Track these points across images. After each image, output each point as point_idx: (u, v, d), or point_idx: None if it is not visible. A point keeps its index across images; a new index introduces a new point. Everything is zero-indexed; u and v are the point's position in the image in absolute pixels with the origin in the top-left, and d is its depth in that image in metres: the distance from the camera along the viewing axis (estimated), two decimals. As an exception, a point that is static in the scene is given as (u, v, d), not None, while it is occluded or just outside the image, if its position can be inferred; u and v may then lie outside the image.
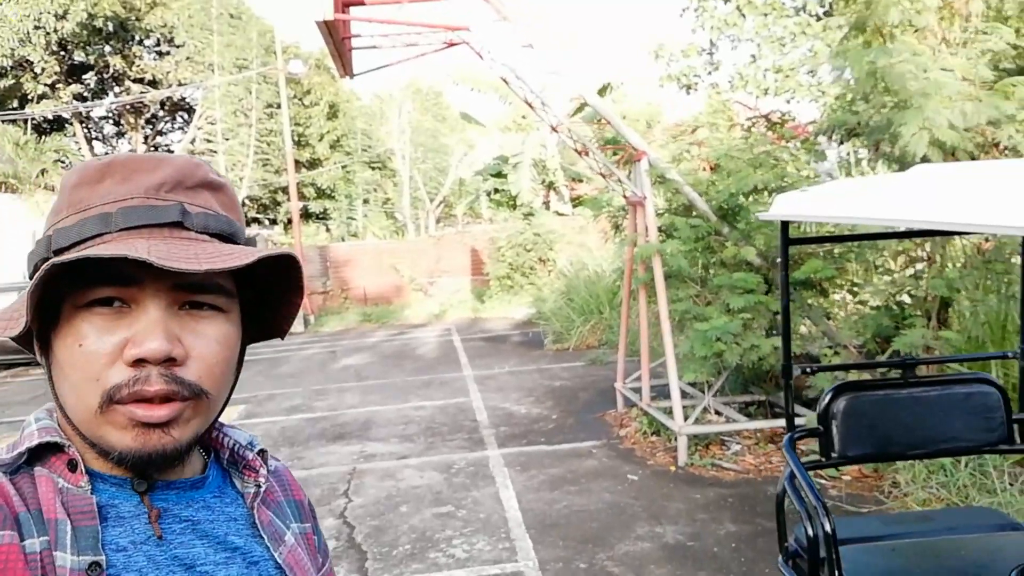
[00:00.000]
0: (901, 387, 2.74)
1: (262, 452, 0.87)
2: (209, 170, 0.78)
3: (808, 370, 2.76)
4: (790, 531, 2.81)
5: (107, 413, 0.69)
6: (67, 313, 0.70)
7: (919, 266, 6.25)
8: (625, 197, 6.95)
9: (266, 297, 0.84)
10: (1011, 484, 4.52)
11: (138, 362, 0.68)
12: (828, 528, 2.32)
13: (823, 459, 2.72)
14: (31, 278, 0.73)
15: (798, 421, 6.04)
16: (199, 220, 0.74)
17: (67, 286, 0.69)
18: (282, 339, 0.91)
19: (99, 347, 0.69)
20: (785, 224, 2.71)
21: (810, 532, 2.45)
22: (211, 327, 0.73)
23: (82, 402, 0.70)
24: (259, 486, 0.84)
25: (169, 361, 0.69)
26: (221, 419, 0.83)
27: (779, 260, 2.77)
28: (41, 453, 0.72)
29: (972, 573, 2.50)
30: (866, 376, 4.79)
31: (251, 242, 0.80)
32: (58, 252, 0.71)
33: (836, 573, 2.33)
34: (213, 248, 0.72)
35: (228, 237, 0.77)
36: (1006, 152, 5.72)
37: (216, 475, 0.83)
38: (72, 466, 0.72)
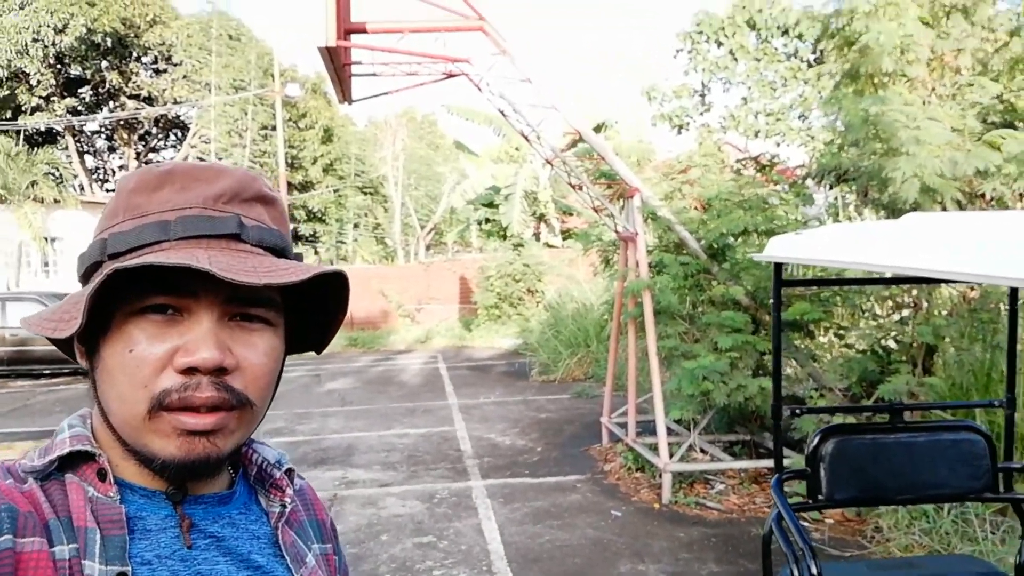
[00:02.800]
0: (889, 432, 2.76)
1: (290, 471, 0.87)
2: (264, 183, 0.79)
3: (797, 412, 2.78)
4: (774, 573, 2.81)
5: (154, 420, 0.69)
6: (119, 319, 0.70)
7: (905, 312, 6.33)
8: (616, 232, 7.00)
9: (309, 312, 0.84)
10: (992, 532, 4.53)
11: (189, 370, 0.68)
12: (815, 571, 2.33)
13: (810, 501, 2.73)
14: (81, 280, 0.75)
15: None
16: (255, 233, 0.74)
17: (120, 291, 0.69)
18: (319, 354, 0.91)
19: (150, 353, 0.69)
20: (779, 266, 2.74)
21: (796, 575, 2.44)
22: (260, 340, 0.74)
23: (129, 408, 0.70)
24: (284, 506, 0.83)
25: (220, 371, 0.70)
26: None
27: (771, 300, 2.80)
28: (72, 460, 0.72)
29: (956, 621, 2.51)
30: (852, 420, 4.81)
31: (299, 257, 0.81)
32: (113, 256, 0.71)
33: (822, 617, 2.33)
34: (269, 262, 0.73)
35: (280, 251, 0.77)
36: (992, 203, 5.84)
37: (243, 491, 0.83)
38: (102, 475, 0.72)
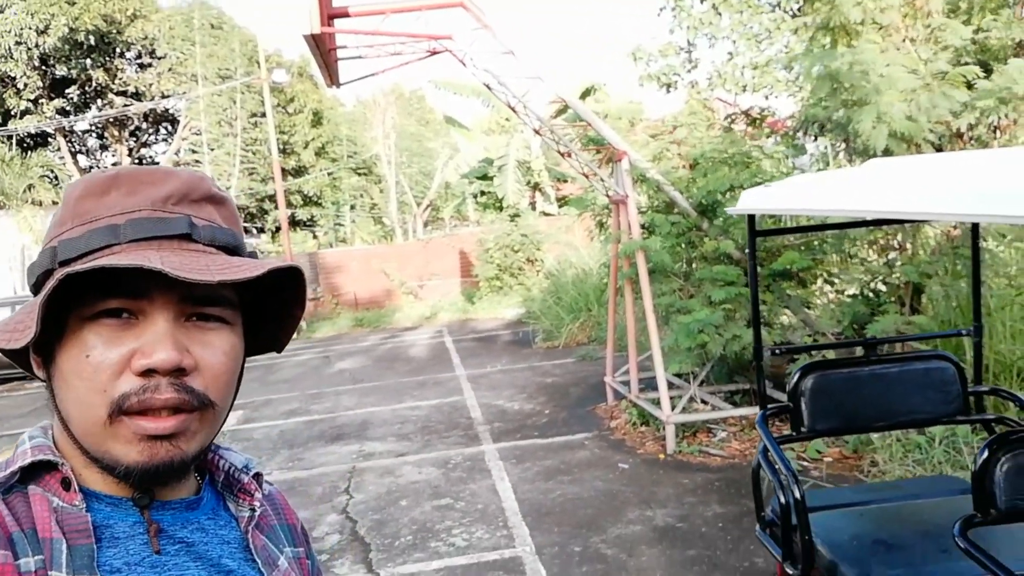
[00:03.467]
0: (864, 365, 2.97)
1: (258, 476, 0.87)
2: (212, 184, 0.78)
3: (777, 351, 2.99)
4: (767, 503, 3.04)
5: (114, 425, 0.68)
6: (73, 325, 0.69)
7: (892, 255, 6.52)
8: (607, 196, 7.17)
9: (266, 310, 0.84)
10: (981, 458, 4.76)
11: (147, 372, 0.68)
12: (798, 495, 2.55)
13: (794, 433, 2.94)
14: (33, 290, 0.73)
15: (780, 406, 6.33)
16: (206, 232, 0.74)
17: (74, 298, 0.69)
18: (279, 352, 0.91)
19: (106, 357, 0.68)
20: (752, 217, 2.93)
21: (783, 500, 2.67)
22: (217, 339, 0.74)
23: (88, 415, 0.69)
24: (254, 510, 0.84)
25: (178, 372, 0.69)
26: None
27: (747, 250, 2.99)
28: (35, 471, 0.71)
29: (933, 533, 2.72)
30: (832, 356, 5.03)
31: (253, 255, 0.81)
32: (64, 263, 0.71)
33: (806, 537, 2.56)
34: (222, 260, 0.72)
35: (233, 250, 0.77)
36: (971, 142, 5.99)
37: (210, 497, 0.83)
38: (66, 484, 0.71)
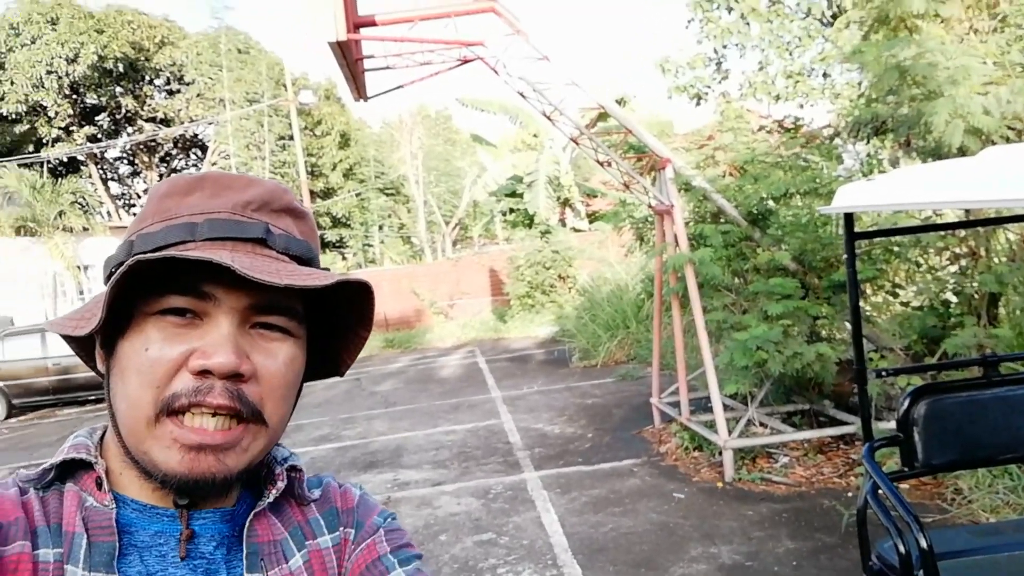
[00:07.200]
0: (984, 387, 2.55)
1: (294, 468, 0.82)
2: (294, 197, 0.78)
3: (884, 373, 2.57)
4: (872, 546, 2.61)
5: (159, 426, 0.67)
6: (137, 319, 0.69)
7: (963, 263, 6.03)
8: (650, 206, 6.78)
9: (332, 329, 0.82)
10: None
11: (203, 373, 0.67)
12: (924, 544, 2.13)
13: (905, 469, 2.52)
14: (107, 281, 0.72)
15: (845, 429, 5.86)
16: (281, 241, 0.74)
17: (141, 293, 0.68)
18: (341, 376, 0.88)
19: (164, 353, 0.67)
20: (849, 217, 2.53)
21: (901, 549, 2.24)
22: (280, 349, 0.72)
23: (135, 411, 0.67)
24: (268, 497, 0.78)
25: (235, 377, 0.68)
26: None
27: (844, 256, 2.60)
28: (74, 470, 0.72)
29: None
30: (930, 377, 4.57)
31: (326, 271, 0.77)
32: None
33: (936, 593, 2.14)
34: (294, 268, 0.72)
35: (306, 261, 0.76)
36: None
37: (244, 508, 0.78)
38: (99, 484, 0.71)
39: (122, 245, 0.73)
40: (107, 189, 28.28)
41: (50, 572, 0.64)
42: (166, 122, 26.70)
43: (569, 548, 4.74)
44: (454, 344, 17.67)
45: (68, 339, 0.74)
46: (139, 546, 0.70)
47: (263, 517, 0.77)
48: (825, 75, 14.57)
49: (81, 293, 21.50)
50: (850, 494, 5.05)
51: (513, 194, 21.67)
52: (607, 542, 4.78)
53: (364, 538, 0.82)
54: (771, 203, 6.40)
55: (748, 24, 14.82)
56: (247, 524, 0.75)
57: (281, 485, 0.79)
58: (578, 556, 4.60)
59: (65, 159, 25.74)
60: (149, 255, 0.64)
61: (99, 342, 0.73)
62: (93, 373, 0.78)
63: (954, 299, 5.97)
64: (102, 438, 0.76)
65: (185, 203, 0.72)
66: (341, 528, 0.83)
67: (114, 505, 0.70)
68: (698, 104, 15.35)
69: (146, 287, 0.68)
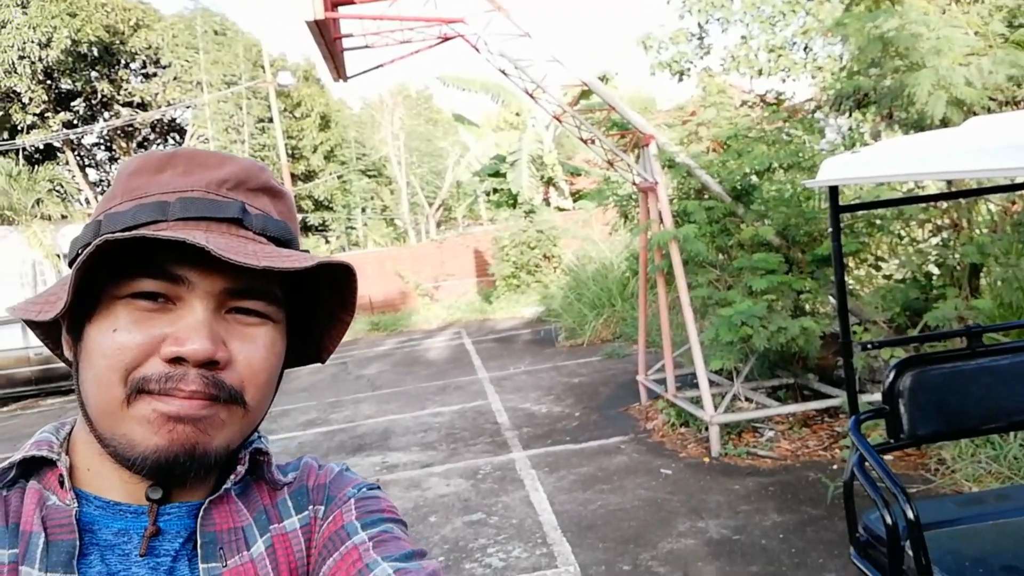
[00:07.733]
0: (968, 358, 2.56)
1: (260, 452, 0.77)
2: (271, 176, 0.75)
3: (870, 346, 2.57)
4: (858, 518, 2.63)
5: (133, 405, 0.63)
6: (106, 302, 0.65)
7: (945, 234, 6.06)
8: (635, 183, 6.76)
9: (312, 314, 0.79)
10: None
11: (175, 360, 0.63)
12: (911, 515, 2.14)
13: (891, 441, 2.53)
14: (71, 263, 0.68)
15: (830, 402, 5.90)
16: (258, 221, 0.70)
17: (110, 276, 0.65)
18: (322, 363, 0.85)
19: (133, 337, 0.64)
20: (835, 190, 2.52)
21: (888, 520, 2.26)
22: (258, 334, 0.69)
23: (105, 394, 0.64)
24: (227, 486, 0.73)
25: (210, 364, 0.64)
26: None
27: (829, 229, 2.59)
28: (39, 467, 0.70)
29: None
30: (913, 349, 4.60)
31: (305, 252, 0.75)
32: None
33: (923, 562, 2.15)
34: (271, 249, 0.68)
35: (285, 243, 0.73)
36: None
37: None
38: (62, 482, 0.68)
39: (89, 225, 0.69)
40: (85, 176, 27.89)
41: (3, 573, 0.62)
42: (143, 106, 26.29)
43: (558, 526, 4.75)
44: (440, 326, 17.64)
45: (32, 325, 0.70)
46: (101, 545, 0.67)
47: (223, 504, 0.73)
48: (807, 48, 14.56)
49: (61, 281, 21.25)
50: (835, 466, 5.10)
51: (496, 174, 21.56)
52: (596, 519, 4.80)
53: (332, 511, 0.77)
54: (754, 178, 6.40)
55: (731, -1, 14.78)
56: (201, 512, 0.70)
57: (241, 469, 0.74)
58: (567, 534, 4.62)
59: (41, 146, 25.31)
60: (118, 235, 0.60)
61: (65, 327, 0.69)
62: None
63: (936, 271, 6.01)
64: (69, 435, 0.73)
65: (156, 181, 0.69)
66: (311, 507, 0.78)
67: (76, 503, 0.67)
68: (680, 80, 15.26)
69: (115, 270, 0.64)
